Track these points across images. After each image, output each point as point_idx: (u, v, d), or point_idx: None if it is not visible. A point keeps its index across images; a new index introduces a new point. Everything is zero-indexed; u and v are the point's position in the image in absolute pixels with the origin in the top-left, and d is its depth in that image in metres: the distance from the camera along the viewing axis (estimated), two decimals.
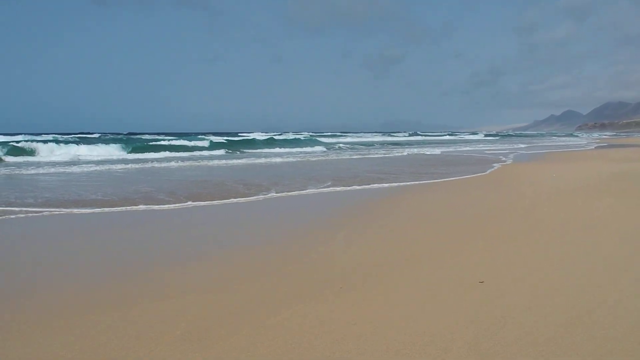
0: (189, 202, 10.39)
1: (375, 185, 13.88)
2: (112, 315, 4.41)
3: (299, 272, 5.69)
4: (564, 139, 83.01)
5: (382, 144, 56.89)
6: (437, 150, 38.31)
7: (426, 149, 40.61)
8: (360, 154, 33.27)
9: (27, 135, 39.76)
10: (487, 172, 18.21)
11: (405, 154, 33.89)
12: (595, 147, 43.95)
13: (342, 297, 4.83)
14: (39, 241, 7.47)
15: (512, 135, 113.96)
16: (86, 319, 4.34)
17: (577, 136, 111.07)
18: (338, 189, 13.05)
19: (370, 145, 49.97)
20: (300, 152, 35.51)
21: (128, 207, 9.78)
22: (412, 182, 14.81)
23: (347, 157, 30.24)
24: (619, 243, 6.61)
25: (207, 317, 4.36)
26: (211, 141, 42.00)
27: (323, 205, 10.86)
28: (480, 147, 46.81)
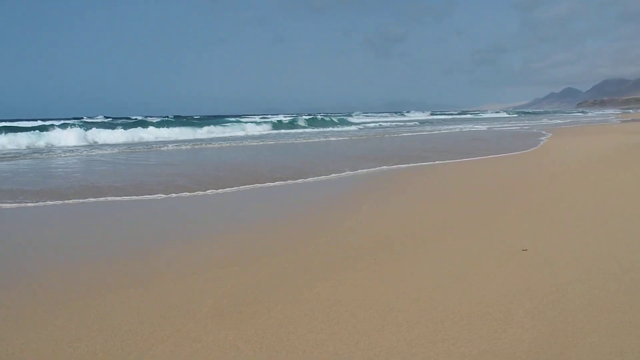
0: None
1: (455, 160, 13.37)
2: (135, 294, 4.06)
3: (339, 244, 5.35)
4: (577, 114, 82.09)
5: (421, 122, 54.70)
6: (483, 127, 38.63)
7: (469, 126, 40.87)
8: (408, 132, 32.56)
9: (48, 120, 38.69)
10: (539, 145, 17.75)
11: (457, 130, 34.16)
12: (620, 122, 43.57)
13: (379, 267, 4.48)
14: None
15: (529, 113, 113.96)
16: (107, 298, 3.99)
17: (585, 112, 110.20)
18: (402, 166, 12.51)
19: (402, 126, 46.51)
20: (342, 132, 34.80)
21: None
22: (478, 157, 14.24)
23: (397, 135, 29.52)
24: None
25: (238, 292, 4.00)
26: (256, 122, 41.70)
27: (386, 182, 10.46)
28: (512, 123, 45.98)
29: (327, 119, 50.22)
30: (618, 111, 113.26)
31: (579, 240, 5.13)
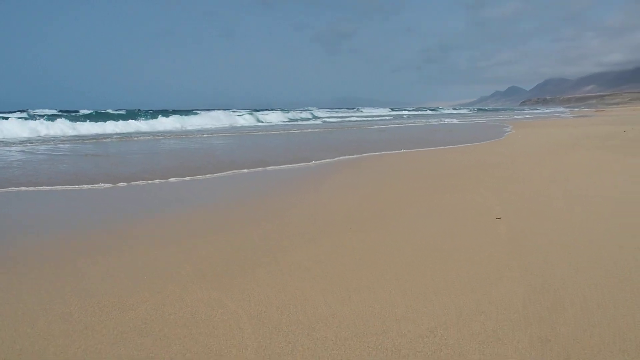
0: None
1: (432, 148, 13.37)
2: (109, 260, 3.86)
3: (314, 218, 5.24)
4: (532, 112, 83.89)
5: (385, 118, 54.21)
6: (454, 120, 39.74)
7: (438, 120, 41.51)
8: (378, 126, 32.48)
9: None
10: (505, 135, 17.98)
11: (433, 122, 35.14)
12: (572, 117, 44.81)
13: (361, 234, 4.40)
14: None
15: (488, 110, 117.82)
16: (79, 263, 3.78)
17: (536, 109, 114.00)
18: (380, 153, 12.50)
19: (373, 120, 46.25)
20: (315, 125, 34.71)
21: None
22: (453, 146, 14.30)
23: (376, 127, 29.39)
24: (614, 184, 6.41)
25: (217, 258, 3.85)
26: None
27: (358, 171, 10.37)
28: (477, 118, 46.48)
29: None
30: (565, 109, 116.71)
31: (545, 208, 5.18)
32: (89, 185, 7.52)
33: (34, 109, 46.89)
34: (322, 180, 7.77)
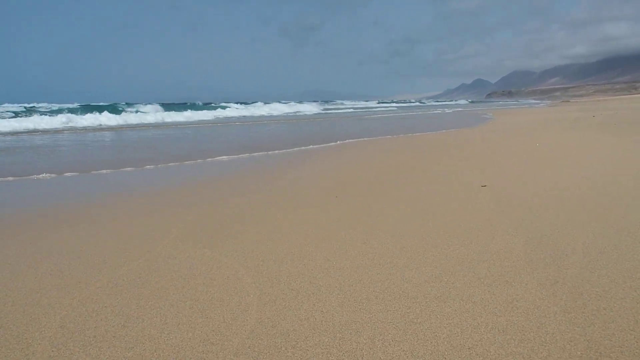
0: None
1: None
2: (94, 228, 3.75)
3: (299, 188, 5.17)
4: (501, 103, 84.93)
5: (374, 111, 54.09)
6: (450, 110, 39.35)
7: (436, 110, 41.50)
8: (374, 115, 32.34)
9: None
10: (488, 122, 18.11)
11: (432, 112, 35.01)
12: (548, 105, 45.72)
13: (351, 201, 4.35)
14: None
15: (477, 102, 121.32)
16: (64, 231, 3.66)
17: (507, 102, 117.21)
18: (382, 138, 12.43)
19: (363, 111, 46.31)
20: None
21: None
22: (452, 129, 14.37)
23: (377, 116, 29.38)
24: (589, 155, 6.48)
25: (205, 223, 3.78)
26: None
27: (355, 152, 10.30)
28: (456, 109, 46.77)
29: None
30: (534, 100, 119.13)
31: (526, 175, 5.20)
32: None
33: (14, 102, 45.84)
34: (311, 160, 7.72)
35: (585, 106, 33.34)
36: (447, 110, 37.66)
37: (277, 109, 43.92)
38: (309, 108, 46.28)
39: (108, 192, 5.54)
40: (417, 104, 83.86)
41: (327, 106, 55.19)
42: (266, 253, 2.96)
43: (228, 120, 27.74)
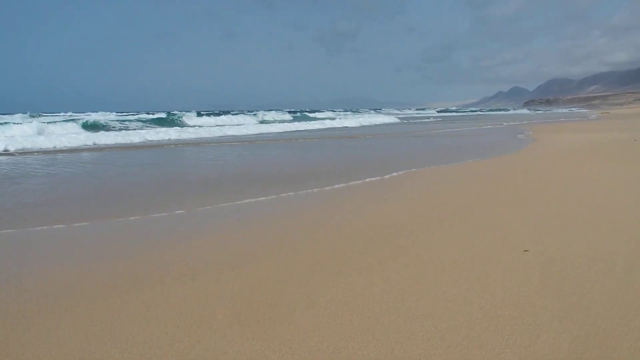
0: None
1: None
2: (140, 300, 3.85)
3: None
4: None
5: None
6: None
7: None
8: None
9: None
10: (528, 145, 18.03)
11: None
12: (588, 118, 45.81)
13: (385, 268, 4.37)
14: None
15: (500, 110, 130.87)
16: (111, 304, 3.76)
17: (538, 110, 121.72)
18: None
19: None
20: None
21: None
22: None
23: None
24: None
25: (249, 296, 3.84)
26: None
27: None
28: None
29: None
30: (577, 109, 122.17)
31: (574, 233, 5.13)
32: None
33: (38, 111, 47.43)
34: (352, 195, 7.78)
35: (627, 122, 32.70)
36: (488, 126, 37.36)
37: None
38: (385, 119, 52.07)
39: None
40: (479, 112, 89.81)
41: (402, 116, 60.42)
42: (314, 351, 2.99)
43: (346, 132, 28.62)
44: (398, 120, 52.50)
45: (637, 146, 14.60)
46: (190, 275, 4.41)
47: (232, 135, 27.12)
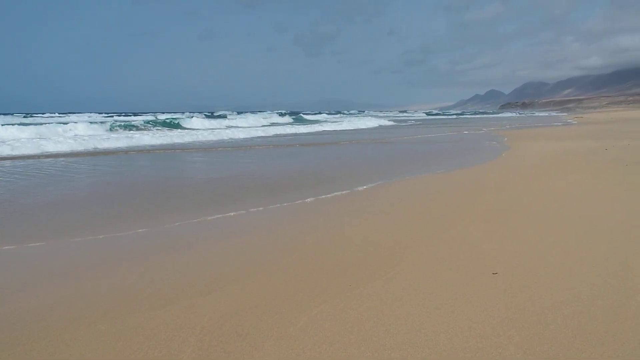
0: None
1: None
2: (103, 331, 3.84)
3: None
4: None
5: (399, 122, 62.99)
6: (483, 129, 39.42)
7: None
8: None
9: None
10: (502, 154, 18.13)
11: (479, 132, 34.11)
12: (563, 122, 47.00)
13: (354, 295, 4.42)
14: None
15: (482, 113, 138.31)
16: (78, 334, 3.75)
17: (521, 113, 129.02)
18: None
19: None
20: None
21: None
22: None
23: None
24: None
25: (218, 326, 3.85)
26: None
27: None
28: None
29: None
30: (547, 113, 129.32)
31: (542, 257, 5.22)
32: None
33: (31, 111, 47.66)
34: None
35: (600, 128, 33.22)
36: (465, 132, 37.78)
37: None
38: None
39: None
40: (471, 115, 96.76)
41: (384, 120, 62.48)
42: None
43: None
44: (393, 123, 54.68)
45: (608, 155, 14.86)
46: (161, 302, 4.41)
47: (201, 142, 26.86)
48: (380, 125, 50.50)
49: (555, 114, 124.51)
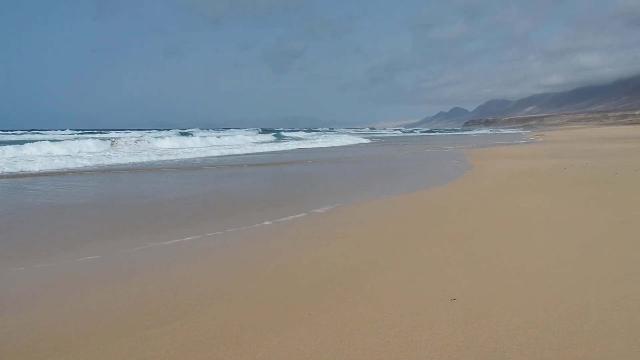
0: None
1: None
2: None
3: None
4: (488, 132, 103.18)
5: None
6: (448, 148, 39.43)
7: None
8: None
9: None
10: (464, 174, 18.24)
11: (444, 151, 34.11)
12: (525, 139, 48.35)
13: (315, 323, 4.40)
14: None
15: (454, 130, 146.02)
16: None
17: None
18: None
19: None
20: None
21: None
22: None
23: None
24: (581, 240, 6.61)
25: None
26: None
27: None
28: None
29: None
30: (515, 131, 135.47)
31: (502, 282, 5.28)
32: None
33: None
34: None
35: (560, 147, 33.94)
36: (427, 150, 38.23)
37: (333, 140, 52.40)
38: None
39: None
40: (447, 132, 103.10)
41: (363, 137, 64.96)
42: None
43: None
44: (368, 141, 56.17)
45: (567, 174, 15.18)
46: (117, 333, 4.32)
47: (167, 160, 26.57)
48: (360, 143, 51.58)
49: (517, 131, 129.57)
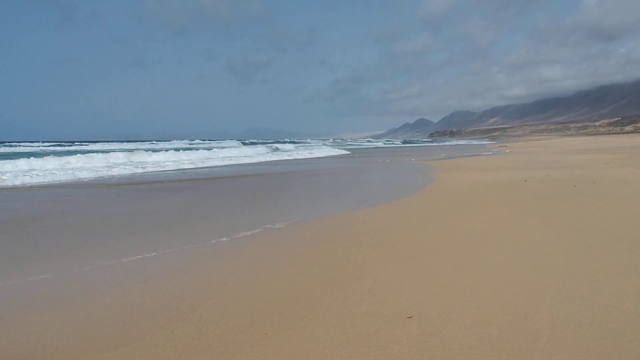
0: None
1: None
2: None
3: None
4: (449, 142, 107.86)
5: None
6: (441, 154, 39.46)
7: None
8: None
9: None
10: (425, 187, 18.30)
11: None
12: (490, 151, 50.22)
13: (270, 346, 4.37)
14: None
15: (416, 141, 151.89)
16: None
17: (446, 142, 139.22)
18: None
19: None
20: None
21: None
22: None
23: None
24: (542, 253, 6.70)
25: None
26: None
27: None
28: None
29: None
30: (478, 141, 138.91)
31: (457, 299, 5.33)
32: None
33: None
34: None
35: (522, 158, 34.51)
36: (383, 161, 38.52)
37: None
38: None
39: None
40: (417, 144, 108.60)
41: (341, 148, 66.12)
42: None
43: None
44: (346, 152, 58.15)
45: (527, 187, 15.42)
46: (67, 358, 4.24)
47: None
48: (339, 155, 52.66)
49: (482, 142, 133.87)
